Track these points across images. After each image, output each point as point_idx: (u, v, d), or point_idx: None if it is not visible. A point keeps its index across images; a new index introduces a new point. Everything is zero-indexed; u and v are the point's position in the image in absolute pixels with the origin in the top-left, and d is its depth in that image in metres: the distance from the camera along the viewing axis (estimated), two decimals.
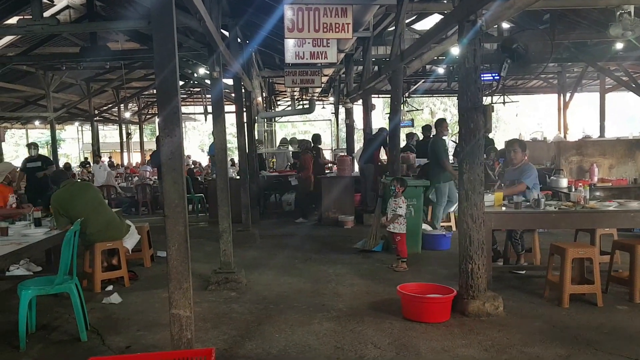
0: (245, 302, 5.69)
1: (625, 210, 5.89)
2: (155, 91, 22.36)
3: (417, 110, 25.42)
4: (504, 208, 6.05)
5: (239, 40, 10.51)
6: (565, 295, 5.25)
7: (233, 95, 11.19)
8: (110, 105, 24.01)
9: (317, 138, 12.75)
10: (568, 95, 17.71)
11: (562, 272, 5.28)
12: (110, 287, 6.38)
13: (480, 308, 5.00)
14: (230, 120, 13.23)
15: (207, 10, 6.63)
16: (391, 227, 7.06)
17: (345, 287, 6.15)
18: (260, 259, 7.87)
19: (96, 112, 22.41)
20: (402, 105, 16.02)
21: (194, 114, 29.32)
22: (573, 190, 9.13)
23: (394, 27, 8.71)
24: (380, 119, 23.81)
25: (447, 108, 35.91)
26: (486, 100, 14.57)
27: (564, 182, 9.51)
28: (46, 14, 11.12)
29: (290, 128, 40.37)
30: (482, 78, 5.40)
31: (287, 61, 9.33)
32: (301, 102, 21.13)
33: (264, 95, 19.05)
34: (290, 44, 8.79)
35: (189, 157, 25.60)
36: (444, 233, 8.27)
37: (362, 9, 7.22)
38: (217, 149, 6.44)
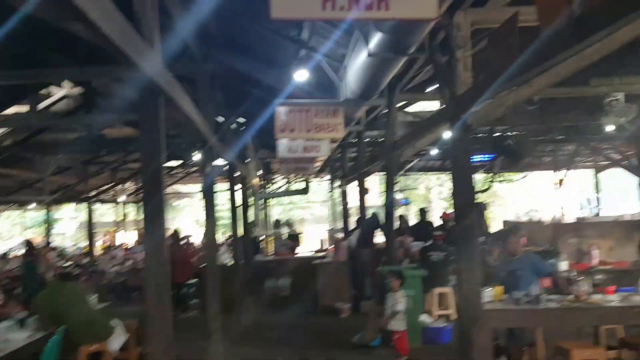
0: None
1: (628, 306, 5.70)
2: None
3: (412, 189, 25.49)
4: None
5: (234, 126, 10.65)
6: None
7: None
8: (106, 188, 24.02)
9: None
10: (563, 172, 17.79)
11: None
12: None
13: None
14: (227, 196, 12.82)
15: (202, 104, 6.72)
16: (390, 325, 6.81)
17: None
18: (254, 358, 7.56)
19: (93, 192, 22.38)
20: (396, 184, 16.07)
21: (191, 193, 29.35)
22: (573, 273, 9.01)
23: (386, 113, 8.81)
24: (376, 196, 23.77)
25: (442, 183, 36.00)
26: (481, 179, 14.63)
27: (563, 266, 9.35)
28: (44, 103, 11.30)
29: (287, 203, 40.27)
30: (474, 159, 5.39)
31: (280, 156, 9.39)
32: (296, 181, 21.19)
33: (260, 174, 19.12)
34: (283, 139, 8.84)
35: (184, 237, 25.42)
36: (443, 325, 8.00)
37: (354, 107, 7.32)
38: (208, 246, 6.32)
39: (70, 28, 4.92)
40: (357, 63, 5.41)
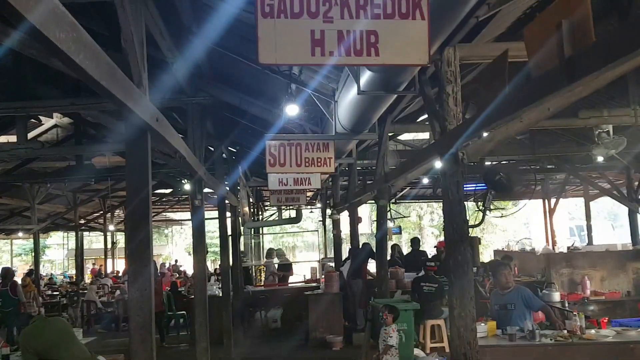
0: None
1: (623, 342, 5.64)
2: None
3: (404, 217, 25.44)
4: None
5: (224, 156, 10.60)
6: None
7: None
8: (96, 215, 23.84)
9: None
10: (553, 201, 17.83)
11: None
12: None
13: None
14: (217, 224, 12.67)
15: (192, 135, 6.68)
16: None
17: None
18: None
19: (82, 220, 22.17)
20: (388, 213, 16.03)
21: (182, 220, 29.13)
22: (566, 304, 8.98)
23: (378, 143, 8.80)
24: (367, 226, 23.69)
25: (433, 210, 36.07)
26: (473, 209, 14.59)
27: (556, 296, 9.31)
28: (34, 132, 11.23)
29: (279, 231, 39.99)
30: (465, 188, 5.35)
31: (271, 188, 9.33)
32: (288, 209, 21.06)
33: (251, 202, 19.01)
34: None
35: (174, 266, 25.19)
36: (437, 359, 7.84)
37: (345, 141, 7.30)
38: (197, 280, 6.22)
39: (55, 64, 4.88)
40: (348, 99, 5.40)
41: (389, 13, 3.09)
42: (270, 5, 2.98)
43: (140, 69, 3.45)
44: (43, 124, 11.53)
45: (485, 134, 4.85)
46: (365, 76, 4.51)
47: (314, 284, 12.99)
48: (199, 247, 6.27)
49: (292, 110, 5.71)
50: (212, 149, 9.78)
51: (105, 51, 2.60)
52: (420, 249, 13.39)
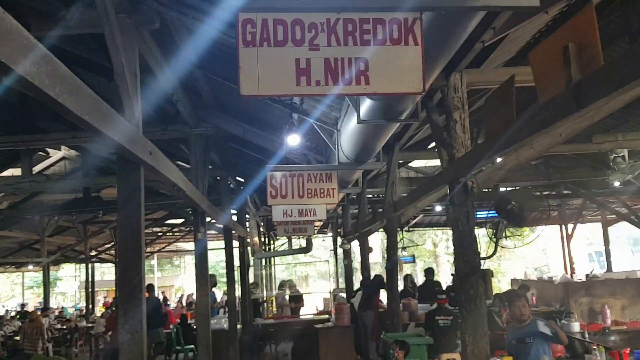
0: None
1: None
2: (152, 229, 22.30)
3: (418, 245, 25.08)
4: None
5: (231, 185, 10.48)
6: None
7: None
8: (107, 247, 23.79)
9: None
10: (570, 226, 17.44)
11: None
12: None
13: None
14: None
15: (195, 166, 6.56)
16: None
17: None
18: None
19: (93, 252, 22.10)
20: (401, 242, 15.76)
21: (194, 250, 28.92)
22: (586, 335, 8.65)
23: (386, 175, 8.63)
24: (379, 255, 23.34)
25: (449, 237, 35.53)
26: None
27: (575, 327, 8.99)
28: (42, 165, 11.23)
29: (291, 261, 39.64)
30: (477, 215, 5.13)
31: (275, 220, 9.15)
32: (298, 238, 20.83)
33: (262, 231, 18.80)
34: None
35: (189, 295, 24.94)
36: None
37: (350, 171, 7.14)
38: (200, 315, 6.03)
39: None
40: (350, 127, 5.25)
41: (379, 39, 2.92)
42: (252, 33, 2.83)
43: (133, 100, 3.34)
44: (51, 157, 11.52)
45: (498, 160, 4.67)
46: (366, 104, 4.36)
47: (326, 316, 12.69)
48: (202, 280, 6.10)
49: (293, 140, 5.58)
50: (219, 178, 9.67)
51: (106, 83, 2.49)
52: (435, 279, 13.09)
